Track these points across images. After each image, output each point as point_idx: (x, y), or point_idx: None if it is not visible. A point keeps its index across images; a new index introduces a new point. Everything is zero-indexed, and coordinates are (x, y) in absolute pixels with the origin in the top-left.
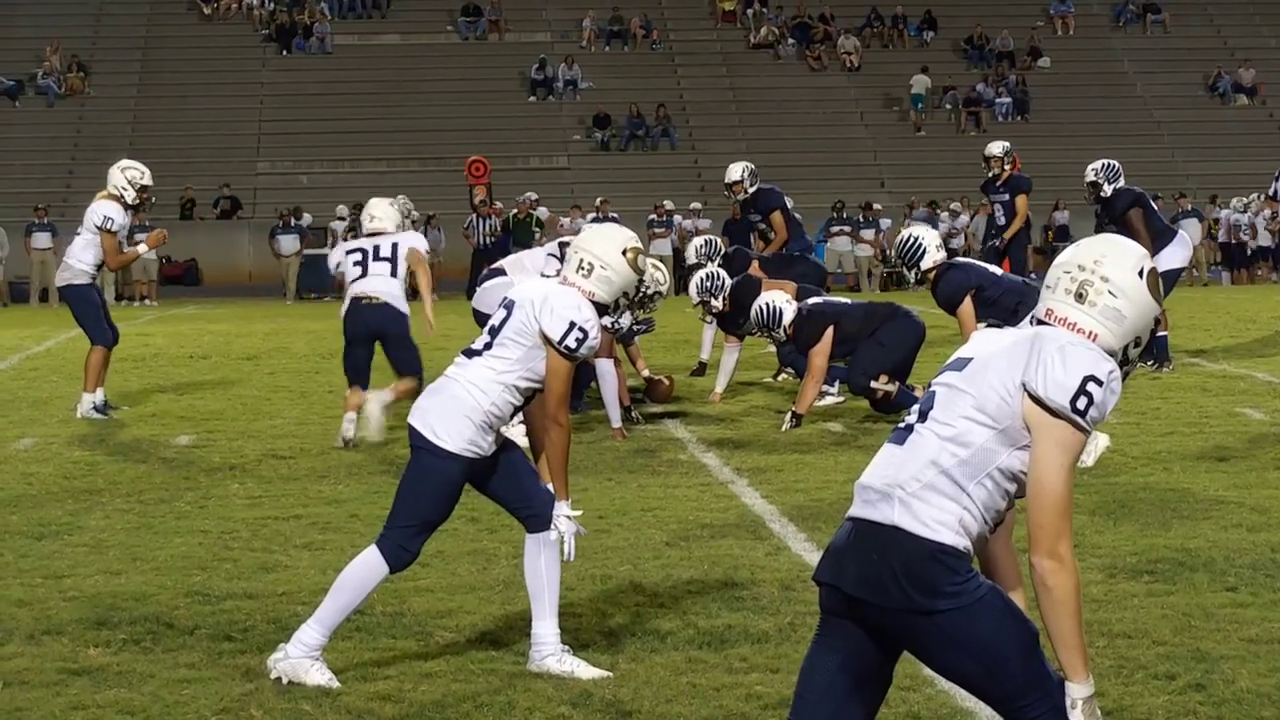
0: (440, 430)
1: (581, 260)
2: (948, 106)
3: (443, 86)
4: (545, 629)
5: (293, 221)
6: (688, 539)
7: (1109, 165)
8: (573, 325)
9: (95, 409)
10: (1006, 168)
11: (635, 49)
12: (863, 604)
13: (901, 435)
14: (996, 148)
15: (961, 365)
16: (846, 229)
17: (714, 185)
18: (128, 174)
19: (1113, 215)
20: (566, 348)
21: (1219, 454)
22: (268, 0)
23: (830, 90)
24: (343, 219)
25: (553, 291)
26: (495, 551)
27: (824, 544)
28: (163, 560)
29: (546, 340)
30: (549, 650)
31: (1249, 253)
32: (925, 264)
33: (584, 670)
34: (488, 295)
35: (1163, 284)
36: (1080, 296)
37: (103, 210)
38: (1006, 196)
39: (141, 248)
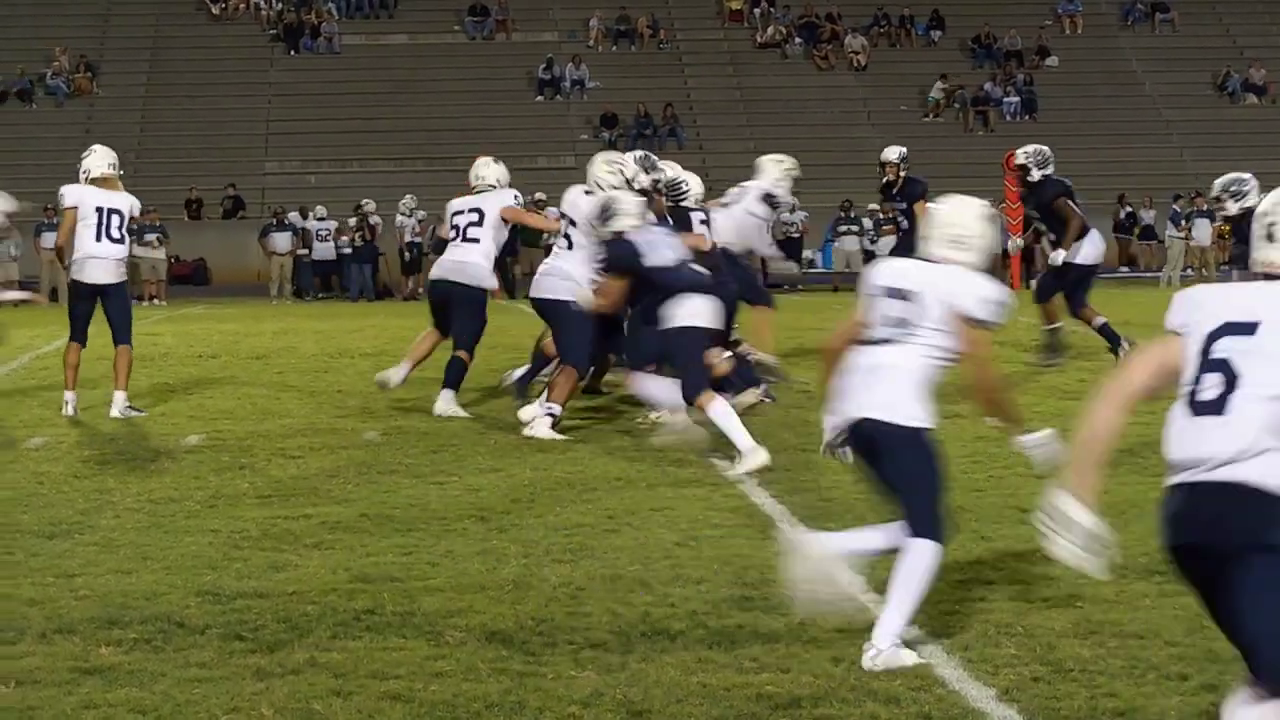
0: (909, 413)
1: (947, 235)
2: (956, 106)
3: (450, 86)
4: (894, 622)
5: (286, 220)
6: (698, 539)
7: (1040, 150)
8: (987, 299)
9: (129, 408)
10: (902, 174)
11: (642, 49)
12: (1205, 551)
13: (1214, 405)
14: (892, 153)
15: (1249, 329)
16: (854, 228)
17: (721, 185)
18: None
19: (1040, 201)
20: (986, 320)
21: None
22: (275, 0)
23: (838, 90)
24: (322, 219)
25: (952, 275)
26: (505, 551)
27: None
28: (173, 559)
29: (968, 319)
30: (889, 643)
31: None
32: None
33: (906, 657)
34: (546, 282)
35: (1074, 276)
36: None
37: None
38: (904, 205)
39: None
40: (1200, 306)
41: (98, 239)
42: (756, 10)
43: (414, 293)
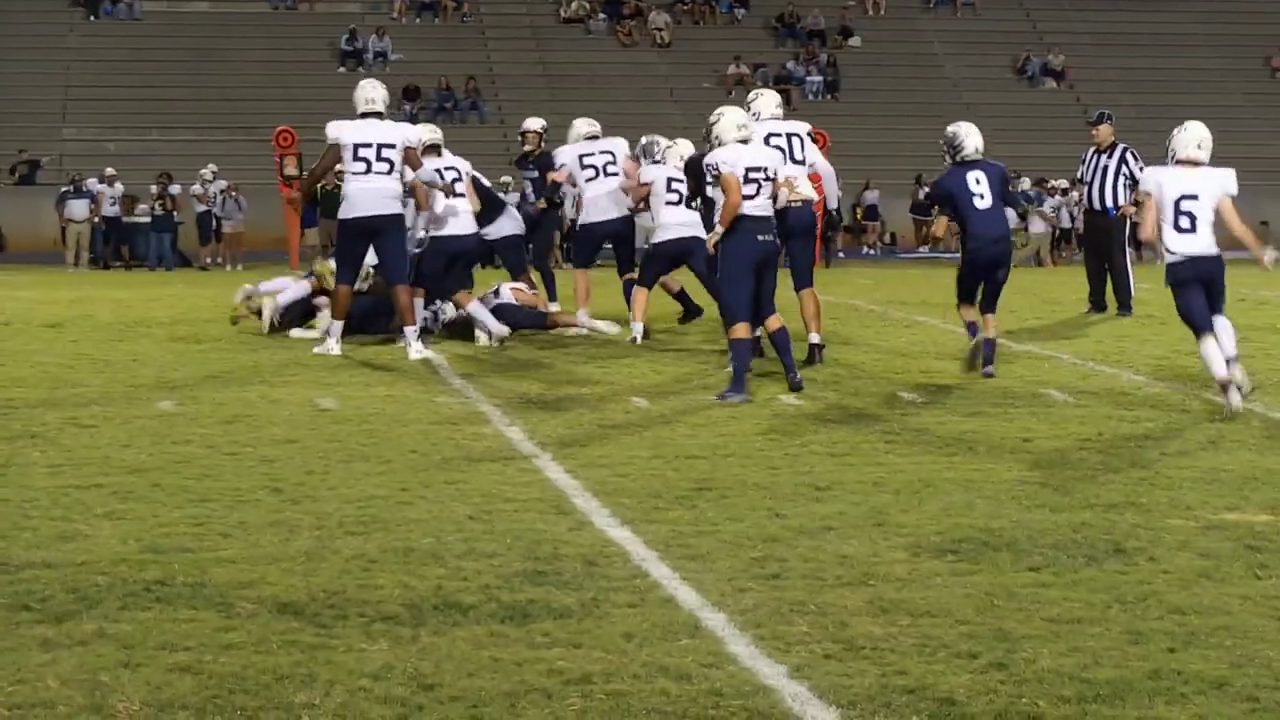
0: None
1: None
2: (758, 84)
3: (252, 56)
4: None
5: (84, 186)
6: (491, 513)
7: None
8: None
9: None
10: (543, 145)
11: (446, 21)
12: (1202, 282)
13: (1190, 229)
14: (535, 123)
15: (1195, 197)
16: None
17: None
18: None
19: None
20: None
21: (1023, 434)
22: None
23: (641, 66)
24: (101, 180)
25: None
26: (298, 523)
27: (627, 520)
28: None
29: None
30: None
31: (1056, 234)
32: None
33: None
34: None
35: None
36: None
37: None
38: (536, 174)
39: None
40: (1161, 183)
41: None
42: None
43: (212, 262)
